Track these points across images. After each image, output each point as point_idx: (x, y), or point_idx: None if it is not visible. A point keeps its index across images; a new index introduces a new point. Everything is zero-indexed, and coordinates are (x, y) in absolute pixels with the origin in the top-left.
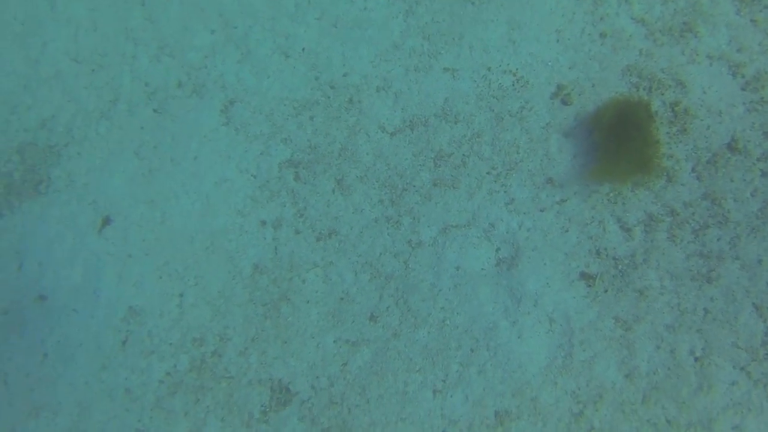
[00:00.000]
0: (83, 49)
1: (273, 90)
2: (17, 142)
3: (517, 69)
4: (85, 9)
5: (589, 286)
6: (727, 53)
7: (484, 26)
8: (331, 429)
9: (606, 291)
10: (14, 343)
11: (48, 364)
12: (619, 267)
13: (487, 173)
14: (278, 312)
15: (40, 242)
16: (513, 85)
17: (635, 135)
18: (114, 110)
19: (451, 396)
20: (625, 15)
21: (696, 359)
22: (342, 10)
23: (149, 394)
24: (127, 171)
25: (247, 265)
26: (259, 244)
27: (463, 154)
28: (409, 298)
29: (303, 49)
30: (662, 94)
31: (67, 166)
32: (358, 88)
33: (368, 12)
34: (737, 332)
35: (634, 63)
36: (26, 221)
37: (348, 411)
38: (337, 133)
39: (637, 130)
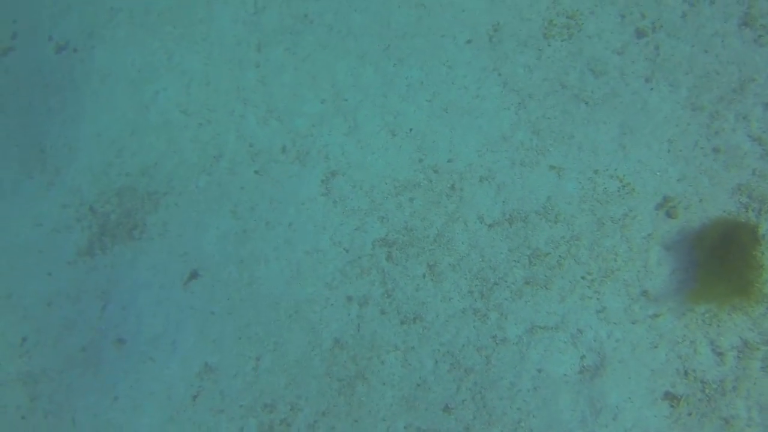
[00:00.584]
0: (194, 102)
1: (376, 167)
2: (118, 185)
3: (624, 175)
4: (201, 63)
5: (673, 407)
6: None
7: (595, 128)
8: None
9: (690, 414)
10: (88, 382)
11: (117, 408)
12: (707, 391)
13: (582, 278)
14: (353, 390)
15: (127, 286)
16: (618, 191)
17: (738, 257)
18: (216, 166)
19: None
20: (742, 132)
21: None
22: (454, 96)
23: None
24: (221, 228)
25: (328, 338)
26: (342, 319)
27: (560, 256)
28: (487, 394)
29: (410, 130)
30: None
31: (164, 215)
32: (462, 175)
33: (480, 100)
34: None
35: (746, 182)
36: (116, 264)
37: None
38: (435, 218)
39: (740, 253)
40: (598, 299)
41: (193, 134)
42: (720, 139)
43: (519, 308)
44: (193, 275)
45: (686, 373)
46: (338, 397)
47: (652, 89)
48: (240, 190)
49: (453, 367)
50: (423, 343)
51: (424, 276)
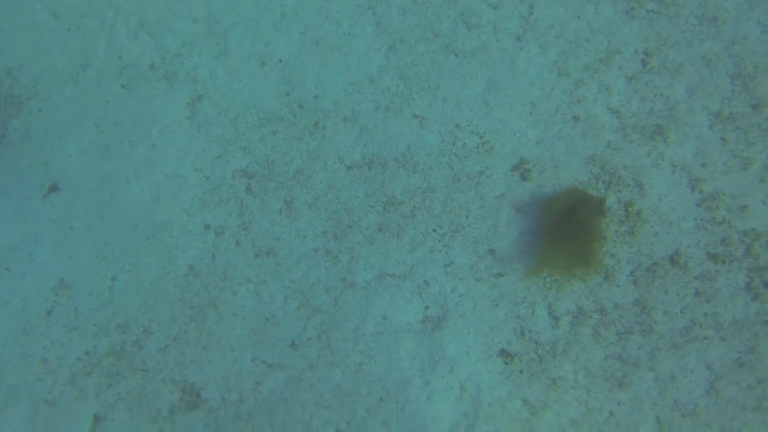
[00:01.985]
0: (64, 5)
1: (242, 95)
2: None
3: (485, 132)
4: None
5: (507, 364)
6: (691, 165)
7: (462, 81)
8: None
9: (521, 372)
10: None
11: None
12: (539, 352)
13: (433, 230)
14: (204, 318)
15: None
16: (477, 147)
17: (583, 228)
18: (83, 75)
19: None
20: (603, 103)
21: None
22: (327, 30)
23: (65, 368)
24: (84, 141)
25: (183, 264)
26: (198, 246)
27: (414, 206)
28: (332, 334)
29: (280, 61)
30: (619, 192)
31: (27, 120)
32: (327, 113)
33: (352, 38)
34: None
35: (600, 154)
36: None
37: (251, 429)
38: (296, 154)
39: (585, 223)
40: (446, 253)
41: (61, 39)
42: (581, 108)
43: (370, 254)
44: (53, 188)
45: (522, 333)
46: (190, 324)
47: (521, 49)
48: (105, 104)
49: (302, 305)
50: (275, 279)
51: (280, 211)
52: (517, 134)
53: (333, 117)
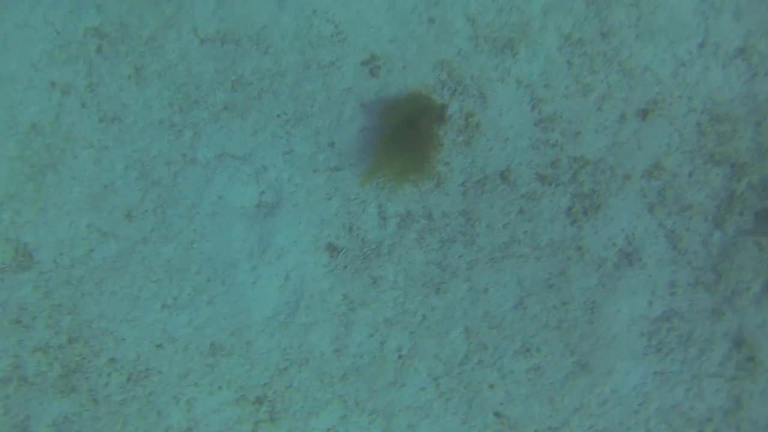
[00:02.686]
0: None
1: None
2: None
3: (340, 22)
4: None
5: (332, 257)
6: (534, 84)
7: None
8: (60, 307)
9: (345, 267)
10: None
11: None
12: (365, 250)
13: (278, 116)
14: (43, 178)
15: None
16: (332, 36)
17: (423, 134)
18: None
19: (177, 315)
20: (460, 8)
21: (399, 356)
22: None
23: None
24: None
25: (25, 120)
26: (43, 103)
27: (262, 88)
28: (168, 209)
29: None
30: (462, 101)
31: None
32: None
33: None
34: (443, 346)
35: (449, 60)
36: None
37: (81, 296)
38: (150, 19)
39: (424, 129)
40: (287, 141)
41: None
42: (438, 10)
43: (213, 131)
44: None
45: (351, 229)
46: (28, 183)
47: None
48: None
49: (141, 176)
50: (117, 146)
51: (129, 77)
52: (372, 29)
53: None
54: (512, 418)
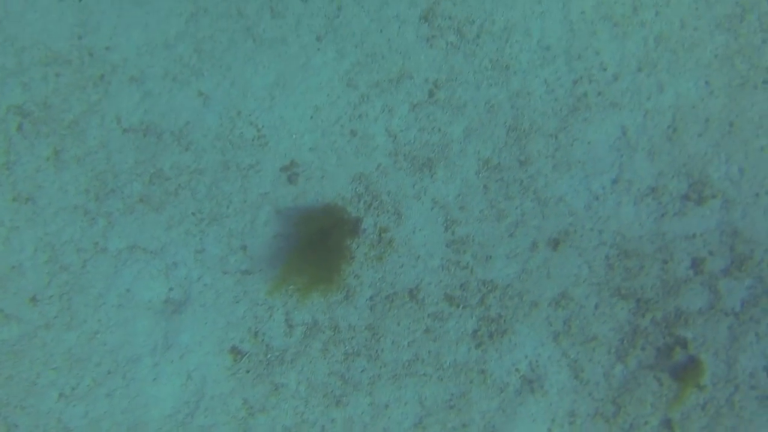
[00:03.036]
0: None
1: (33, 28)
2: None
3: (263, 126)
4: None
5: (236, 361)
6: (449, 205)
7: (254, 68)
8: None
9: (248, 372)
10: None
11: None
12: (269, 356)
13: (193, 214)
14: None
15: None
16: (253, 140)
17: (334, 244)
18: None
19: (74, 406)
20: (382, 123)
21: None
22: None
23: None
24: None
25: None
26: None
27: (179, 184)
28: (74, 297)
29: (79, 0)
30: (377, 216)
31: None
32: (115, 68)
33: None
34: None
35: (367, 173)
36: None
37: None
38: (75, 103)
39: (337, 241)
40: (200, 239)
41: None
42: (360, 124)
43: (127, 223)
44: None
45: (256, 334)
46: None
47: (319, 50)
48: None
49: (50, 260)
50: (29, 227)
51: (48, 159)
52: (294, 135)
53: (120, 74)
54: None
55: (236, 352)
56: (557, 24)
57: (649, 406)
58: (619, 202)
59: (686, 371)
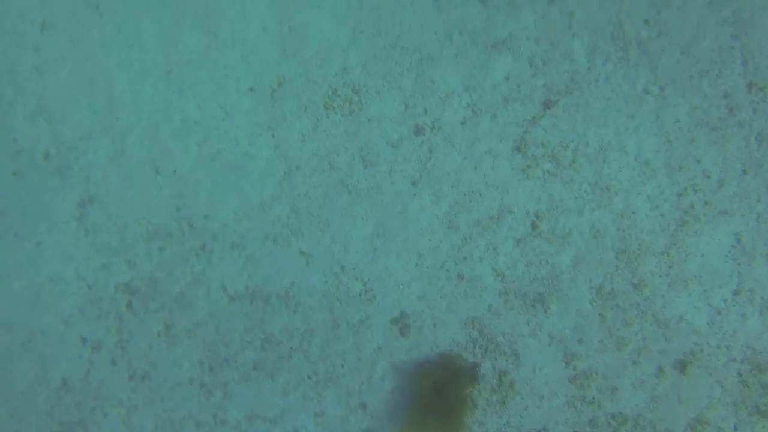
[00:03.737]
0: None
1: (133, 203)
2: None
3: (369, 279)
4: None
5: None
6: (567, 339)
7: (352, 221)
8: None
9: None
10: None
11: None
12: None
13: (308, 377)
14: None
15: None
16: (360, 294)
17: (454, 393)
18: None
19: None
20: (488, 263)
21: None
22: (225, 146)
23: None
24: None
25: (56, 376)
26: (73, 359)
27: (291, 348)
28: None
29: (175, 172)
30: (495, 359)
31: None
32: (215, 236)
33: (248, 158)
34: None
35: (479, 317)
36: None
37: None
38: (180, 276)
39: (458, 388)
40: (318, 402)
41: None
42: (466, 266)
43: (243, 392)
44: None
45: None
46: None
47: (415, 195)
48: None
49: None
50: (147, 405)
51: (159, 334)
52: (401, 286)
53: (221, 241)
54: None
55: None
56: (653, 137)
57: None
58: (743, 314)
59: None
